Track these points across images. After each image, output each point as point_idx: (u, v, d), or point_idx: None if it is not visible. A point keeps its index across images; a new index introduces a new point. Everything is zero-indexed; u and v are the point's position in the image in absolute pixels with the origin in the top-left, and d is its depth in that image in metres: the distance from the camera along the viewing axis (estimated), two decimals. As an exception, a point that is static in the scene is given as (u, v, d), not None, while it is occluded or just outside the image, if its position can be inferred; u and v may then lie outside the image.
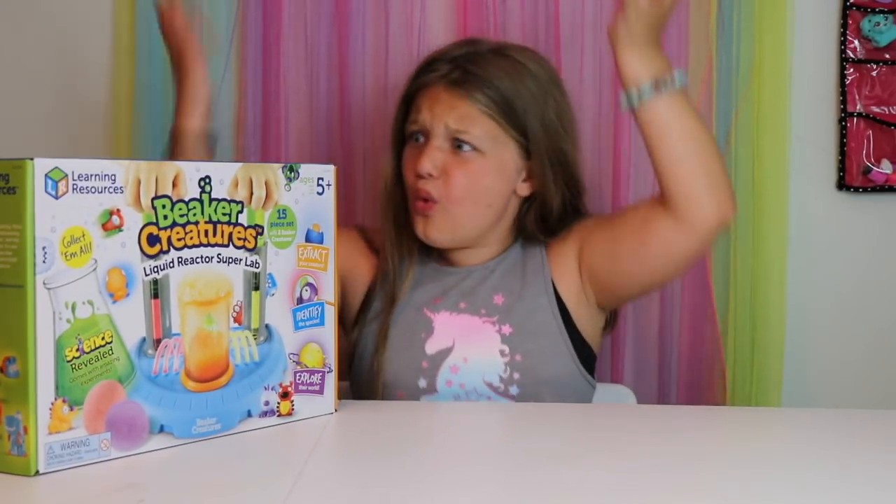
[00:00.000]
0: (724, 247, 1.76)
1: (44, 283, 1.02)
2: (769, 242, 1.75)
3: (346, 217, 1.78)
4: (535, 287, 1.50)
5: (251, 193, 1.20)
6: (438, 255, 1.55)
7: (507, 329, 1.47)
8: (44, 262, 1.02)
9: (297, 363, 1.25)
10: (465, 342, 1.48)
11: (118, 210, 1.08)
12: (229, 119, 1.81)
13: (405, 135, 1.52)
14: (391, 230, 1.54)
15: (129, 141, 1.80)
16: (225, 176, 1.17)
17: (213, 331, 1.17)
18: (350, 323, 1.57)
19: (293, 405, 1.24)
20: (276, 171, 1.22)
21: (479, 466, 1.10)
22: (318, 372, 1.27)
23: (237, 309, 1.19)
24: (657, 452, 1.14)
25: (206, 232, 1.16)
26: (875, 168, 1.78)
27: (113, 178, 1.07)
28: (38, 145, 1.83)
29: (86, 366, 1.06)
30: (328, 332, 1.28)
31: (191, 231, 1.14)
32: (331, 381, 1.28)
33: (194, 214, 1.15)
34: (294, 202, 1.24)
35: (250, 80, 1.80)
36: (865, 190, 1.79)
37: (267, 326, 1.22)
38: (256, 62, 1.80)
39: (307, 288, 1.26)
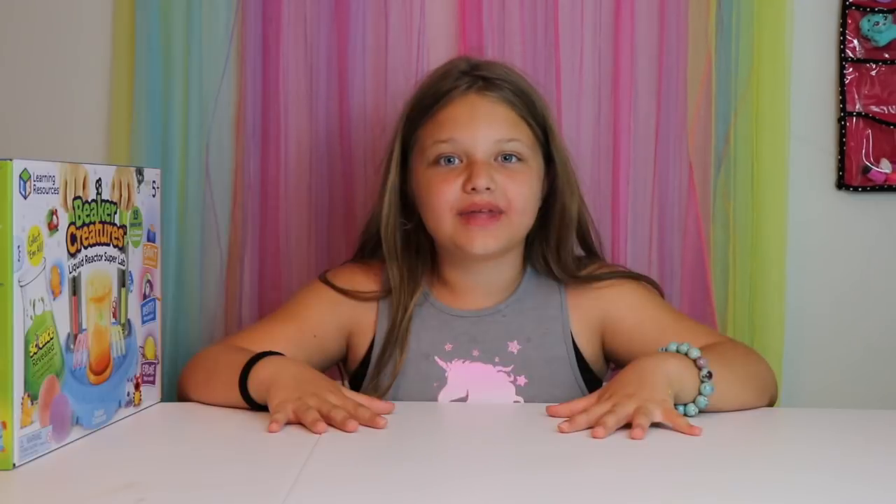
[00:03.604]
0: (723, 247, 1.76)
1: (18, 282, 1.04)
2: (768, 242, 1.74)
3: (346, 217, 1.78)
4: (553, 336, 1.47)
5: (120, 195, 1.26)
6: (441, 291, 1.51)
7: (522, 380, 1.45)
8: (18, 260, 1.04)
9: (143, 355, 1.33)
10: (479, 392, 1.44)
11: (56, 210, 1.11)
12: (229, 119, 1.81)
13: (406, 157, 1.49)
14: (399, 269, 1.48)
15: (128, 142, 1.79)
16: (108, 178, 1.23)
17: (104, 326, 1.22)
18: (353, 370, 1.52)
19: (141, 395, 1.33)
20: (132, 173, 1.29)
21: (479, 466, 1.10)
22: (154, 363, 1.36)
23: (114, 305, 1.25)
24: (657, 452, 1.14)
25: (99, 231, 1.21)
26: (874, 167, 1.78)
27: (53, 179, 1.10)
28: (38, 146, 1.82)
29: (40, 361, 1.09)
30: (158, 326, 1.38)
31: (92, 230, 1.19)
32: (159, 373, 1.38)
33: (94, 215, 1.20)
34: (141, 203, 1.32)
35: (250, 80, 1.80)
36: (865, 189, 1.78)
37: (129, 321, 1.29)
38: (256, 62, 1.79)
39: (147, 284, 1.34)
